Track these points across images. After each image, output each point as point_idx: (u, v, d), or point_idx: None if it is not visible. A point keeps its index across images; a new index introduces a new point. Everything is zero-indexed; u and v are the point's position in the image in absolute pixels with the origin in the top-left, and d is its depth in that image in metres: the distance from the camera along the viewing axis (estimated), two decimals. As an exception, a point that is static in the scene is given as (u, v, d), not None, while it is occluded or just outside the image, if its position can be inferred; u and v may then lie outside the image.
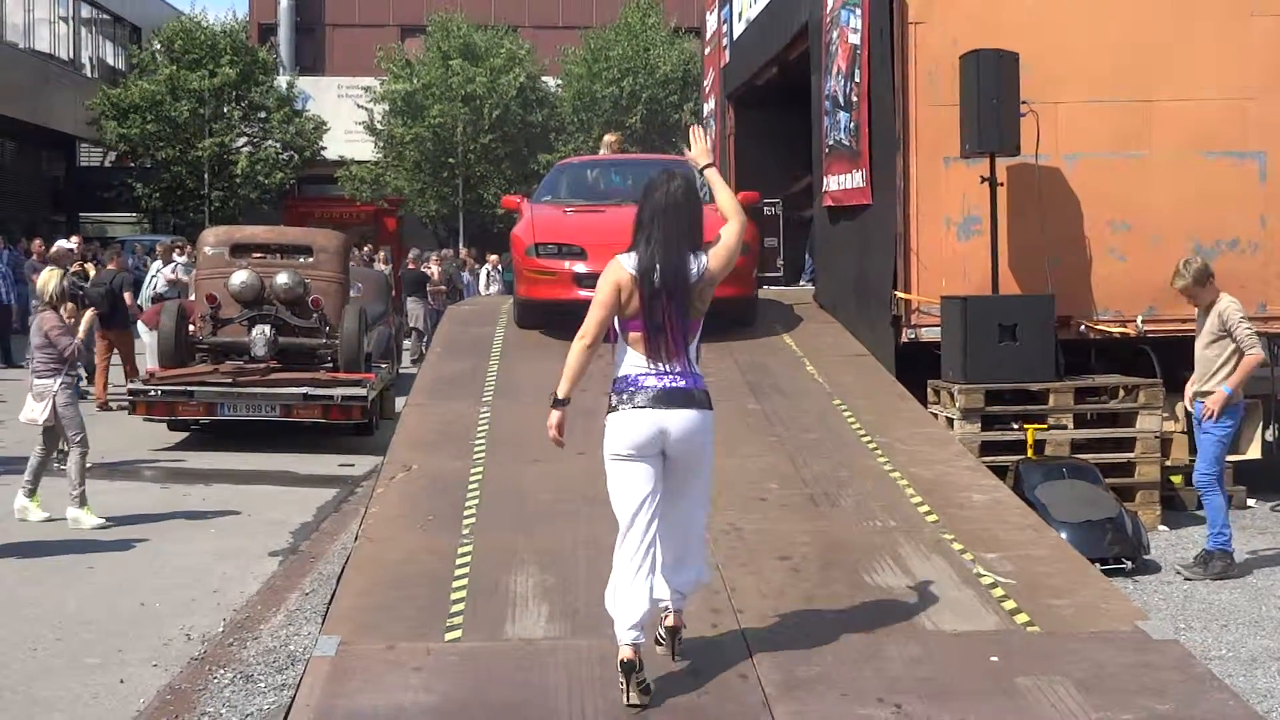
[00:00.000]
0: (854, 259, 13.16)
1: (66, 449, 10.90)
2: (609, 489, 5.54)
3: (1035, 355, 10.73)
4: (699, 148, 6.06)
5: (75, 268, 22.77)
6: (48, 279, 11.50)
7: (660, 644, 5.76)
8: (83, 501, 10.80)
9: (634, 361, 5.38)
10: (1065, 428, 10.70)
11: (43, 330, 10.97)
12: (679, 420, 5.26)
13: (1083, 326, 11.42)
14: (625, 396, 5.33)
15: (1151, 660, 6.55)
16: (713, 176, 6.03)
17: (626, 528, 5.48)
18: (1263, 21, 11.43)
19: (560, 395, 5.36)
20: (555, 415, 5.40)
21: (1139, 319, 10.98)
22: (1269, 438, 11.26)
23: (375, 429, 15.12)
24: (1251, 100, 11.36)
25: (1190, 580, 8.96)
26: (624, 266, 5.39)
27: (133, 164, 41.00)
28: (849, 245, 13.44)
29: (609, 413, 5.42)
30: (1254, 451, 11.02)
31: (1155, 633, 6.90)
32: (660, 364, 5.33)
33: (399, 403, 15.65)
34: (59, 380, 10.91)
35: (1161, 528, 10.32)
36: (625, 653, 5.36)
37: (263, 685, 7.00)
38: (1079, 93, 11.30)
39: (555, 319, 12.01)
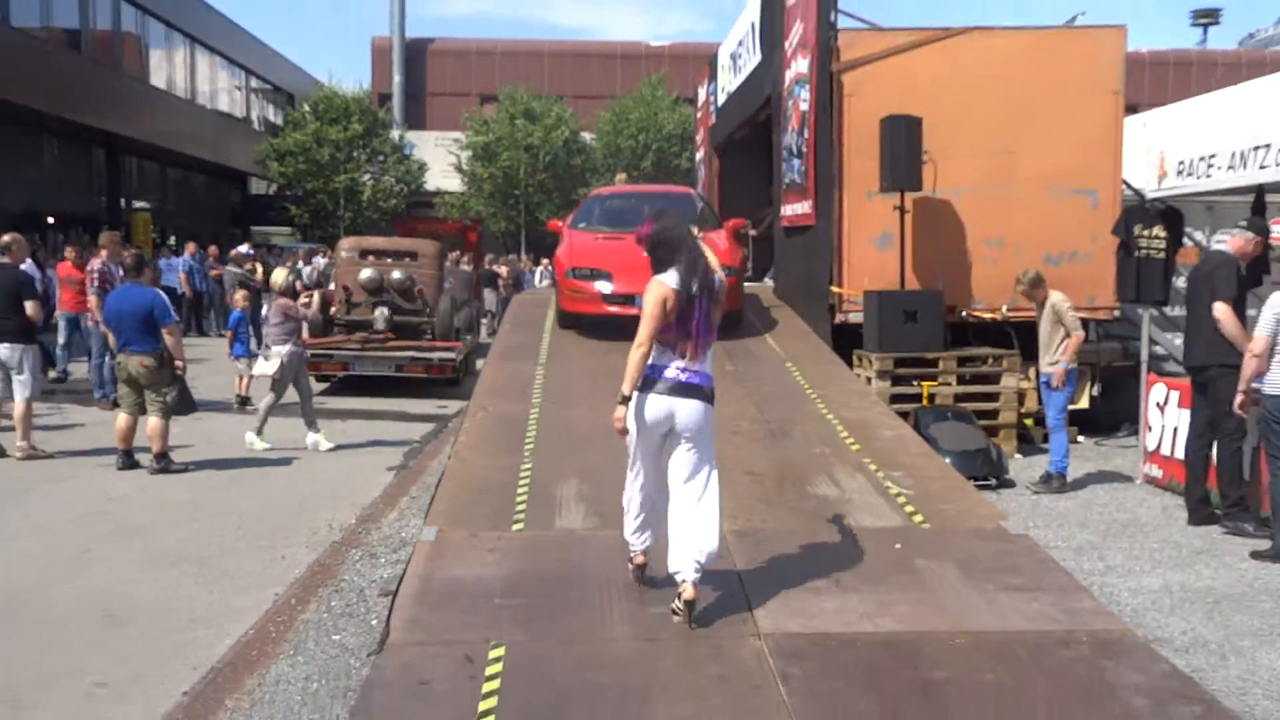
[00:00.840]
0: (803, 264, 13.15)
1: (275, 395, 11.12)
2: (630, 441, 5.33)
3: (929, 333, 10.76)
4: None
5: (248, 266, 22.89)
6: (279, 275, 11.83)
7: (677, 615, 5.17)
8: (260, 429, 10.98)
9: (662, 357, 5.13)
10: (950, 385, 10.73)
11: (281, 310, 11.09)
12: (686, 408, 5.09)
13: (964, 313, 11.44)
14: (649, 382, 5.11)
15: (1008, 549, 6.63)
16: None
17: (632, 470, 5.44)
18: (1097, 96, 11.42)
19: (625, 393, 5.05)
20: (621, 410, 5.11)
21: (1004, 308, 10.97)
22: (1094, 393, 11.31)
23: (461, 382, 15.17)
24: (1086, 153, 11.36)
25: (1037, 494, 9.03)
26: (667, 283, 5.07)
27: (288, 192, 41.00)
28: (799, 254, 13.43)
29: (636, 390, 5.15)
30: (1084, 403, 11.07)
31: (1012, 529, 7.00)
32: (681, 361, 5.11)
33: (478, 363, 15.75)
34: (288, 347, 10.98)
35: (1016, 456, 10.38)
36: (638, 559, 5.58)
37: (382, 561, 7.08)
38: (963, 146, 11.29)
39: (587, 322, 11.76)
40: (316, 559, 7.16)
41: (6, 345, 9.97)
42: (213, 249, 25.54)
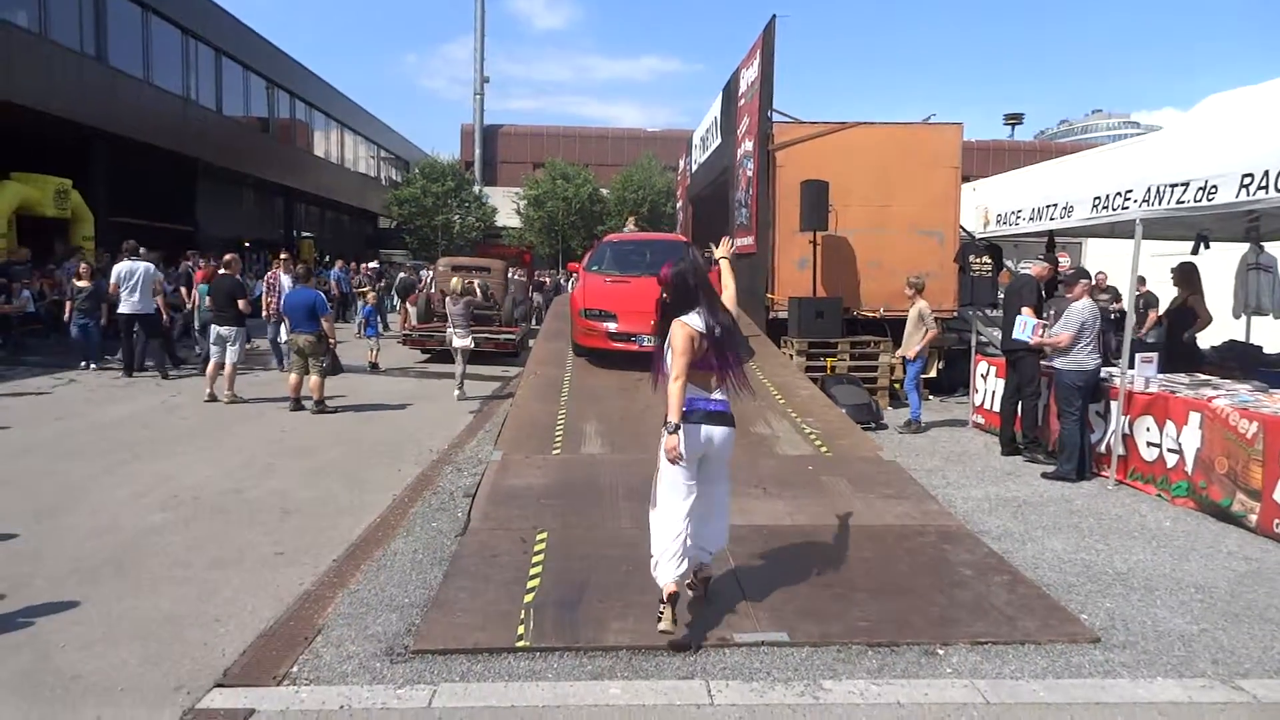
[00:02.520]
0: (747, 278, 12.94)
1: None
2: (660, 474, 4.06)
3: (832, 325, 10.67)
4: (722, 249, 4.68)
5: (367, 273, 22.71)
6: (456, 282, 11.76)
7: (692, 590, 4.26)
8: (460, 385, 10.98)
9: (694, 391, 3.97)
10: (845, 360, 10.65)
11: (465, 304, 11.26)
12: (719, 433, 4.02)
13: (855, 312, 11.37)
14: (689, 414, 3.94)
15: (884, 470, 6.61)
16: (725, 265, 4.60)
17: (668, 510, 4.00)
18: (943, 170, 11.34)
19: (673, 421, 3.85)
20: (671, 439, 3.86)
21: (881, 309, 10.91)
22: (940, 366, 11.26)
23: (518, 355, 15.02)
24: (935, 207, 11.27)
25: (901, 434, 8.99)
26: (693, 325, 3.93)
27: (404, 227, 40.76)
28: (745, 272, 13.19)
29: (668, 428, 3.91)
30: (933, 373, 11.02)
31: (885, 457, 6.96)
32: (708, 392, 4.04)
33: (530, 343, 15.64)
34: (469, 331, 11.13)
35: (888, 408, 10.34)
36: (669, 587, 3.94)
37: (465, 474, 6.98)
38: (855, 201, 11.21)
39: (597, 354, 10.08)
40: (422, 471, 7.10)
41: (227, 327, 10.09)
42: (354, 264, 25.38)
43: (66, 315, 12.54)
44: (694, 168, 20.25)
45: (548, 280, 29.99)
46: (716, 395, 4.08)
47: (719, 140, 15.94)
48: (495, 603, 4.22)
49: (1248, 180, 5.65)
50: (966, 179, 12.70)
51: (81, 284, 12.25)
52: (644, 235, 15.87)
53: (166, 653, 3.77)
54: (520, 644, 3.82)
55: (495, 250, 32.60)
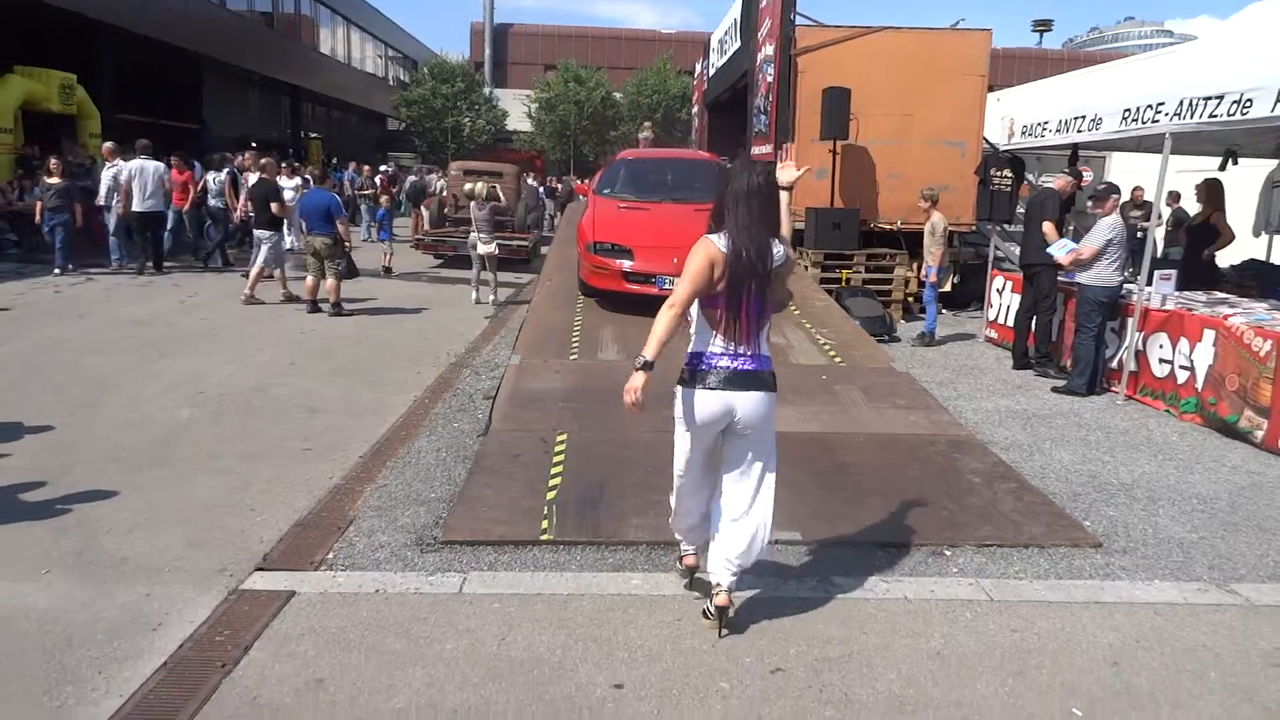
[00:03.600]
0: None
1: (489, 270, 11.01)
2: (674, 443, 3.28)
3: (848, 237, 10.60)
4: (786, 175, 3.60)
5: (379, 180, 22.17)
6: (480, 187, 11.20)
7: (708, 618, 3.28)
8: (494, 291, 11.01)
9: (709, 339, 3.11)
10: (860, 272, 10.64)
11: (491, 210, 10.96)
12: (746, 402, 3.08)
13: (872, 224, 11.26)
14: (698, 374, 3.10)
15: (896, 381, 6.68)
16: (784, 198, 3.44)
17: (679, 480, 3.30)
18: (969, 78, 11.05)
19: (647, 358, 3.04)
20: (639, 378, 3.05)
21: (899, 222, 10.82)
22: (955, 281, 11.24)
23: (530, 261, 14.96)
24: (959, 117, 11.03)
25: (914, 346, 9.05)
26: (717, 245, 3.07)
27: (413, 129, 40.06)
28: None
29: (680, 383, 3.17)
30: (948, 288, 11.00)
31: (898, 369, 7.04)
32: (733, 345, 3.09)
33: (543, 249, 15.62)
34: (493, 237, 10.96)
35: (901, 321, 10.37)
36: (689, 559, 3.54)
37: (484, 377, 7.07)
38: (877, 109, 10.96)
39: (609, 297, 8.56)
40: (441, 374, 7.20)
41: (260, 230, 10.19)
42: (365, 168, 25.03)
43: (37, 215, 11.76)
44: (711, 72, 19.74)
45: (559, 186, 29.66)
46: (742, 349, 3.11)
47: (737, 44, 15.50)
48: (519, 499, 4.38)
49: (1284, 94, 5.53)
50: (991, 88, 12.39)
51: (52, 181, 11.61)
52: (665, 152, 13.83)
53: (207, 538, 3.95)
54: (544, 537, 3.99)
55: (506, 155, 32.13)
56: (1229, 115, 5.99)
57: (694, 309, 3.17)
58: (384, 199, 15.72)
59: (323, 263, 9.57)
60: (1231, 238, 8.69)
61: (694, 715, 2.72)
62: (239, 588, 3.49)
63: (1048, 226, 7.62)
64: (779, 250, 3.15)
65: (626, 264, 8.19)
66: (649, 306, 7.02)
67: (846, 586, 3.63)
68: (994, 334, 9.30)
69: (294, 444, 5.29)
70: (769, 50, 12.11)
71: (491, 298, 10.93)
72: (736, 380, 3.09)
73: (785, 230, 3.37)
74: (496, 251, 11.05)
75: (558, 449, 5.07)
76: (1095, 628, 3.35)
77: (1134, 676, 3.03)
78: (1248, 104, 5.82)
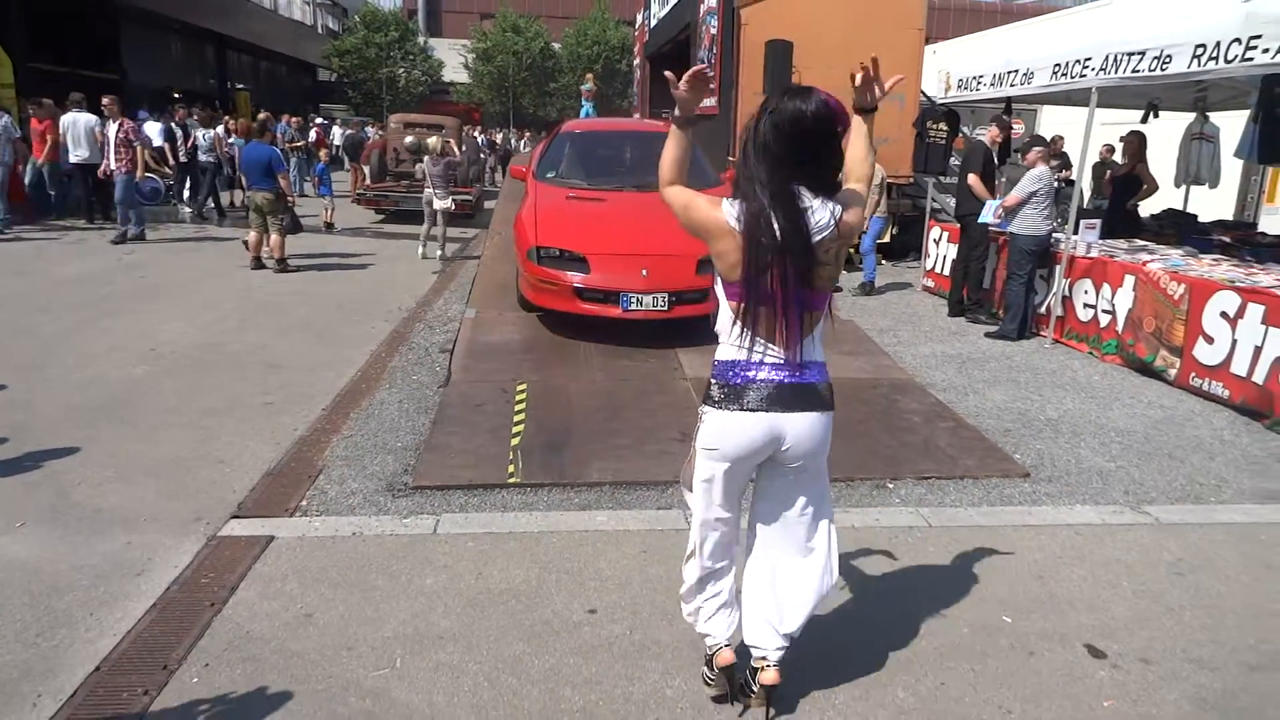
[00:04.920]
0: (707, 143, 13.01)
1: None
2: (694, 480, 2.46)
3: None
4: (866, 92, 2.50)
5: (314, 134, 21.58)
6: (434, 141, 10.98)
7: (749, 693, 2.51)
8: (442, 246, 10.82)
9: (740, 342, 2.29)
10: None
11: (443, 164, 10.78)
12: (798, 425, 2.30)
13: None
14: (731, 391, 2.30)
15: (841, 328, 6.95)
16: (861, 130, 2.49)
17: (700, 539, 2.49)
18: (907, 31, 11.27)
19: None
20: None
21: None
22: (894, 232, 11.52)
23: (474, 215, 14.83)
24: (898, 69, 11.18)
25: (855, 296, 9.33)
26: (725, 213, 2.24)
27: (346, 81, 38.95)
28: (706, 134, 13.29)
29: (707, 403, 2.36)
30: (887, 238, 11.30)
31: (842, 317, 7.33)
32: (774, 349, 2.28)
33: (486, 203, 15.54)
34: (449, 192, 10.84)
35: (845, 272, 10.65)
36: (724, 656, 2.52)
37: (437, 330, 7.10)
38: (818, 62, 11.07)
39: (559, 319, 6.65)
40: (394, 329, 7.22)
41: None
42: (295, 120, 24.37)
43: None
44: (653, 23, 19.66)
45: (498, 139, 29.33)
46: (787, 355, 2.27)
47: (680, -6, 15.49)
48: (484, 446, 4.54)
49: (1200, 51, 5.86)
50: (929, 41, 12.65)
51: None
52: (619, 123, 11.59)
53: (180, 489, 4.03)
54: (512, 480, 4.16)
55: (443, 107, 31.48)
56: (1150, 70, 6.32)
57: (719, 296, 2.32)
58: (322, 153, 15.40)
59: (265, 219, 9.45)
60: (1155, 187, 9.12)
61: (664, 633, 2.95)
62: (217, 534, 3.59)
63: (972, 179, 7.94)
64: (823, 212, 2.20)
65: (580, 277, 6.27)
66: (624, 335, 6.52)
67: (798, 517, 3.90)
68: (931, 283, 9.65)
69: (254, 398, 5.33)
70: (712, 2, 12.18)
71: (439, 252, 10.90)
72: (783, 397, 2.27)
73: (862, 175, 2.44)
74: (452, 207, 10.97)
75: (519, 398, 5.23)
76: (1023, 547, 3.68)
77: (1057, 587, 3.36)
78: (1167, 59, 6.15)
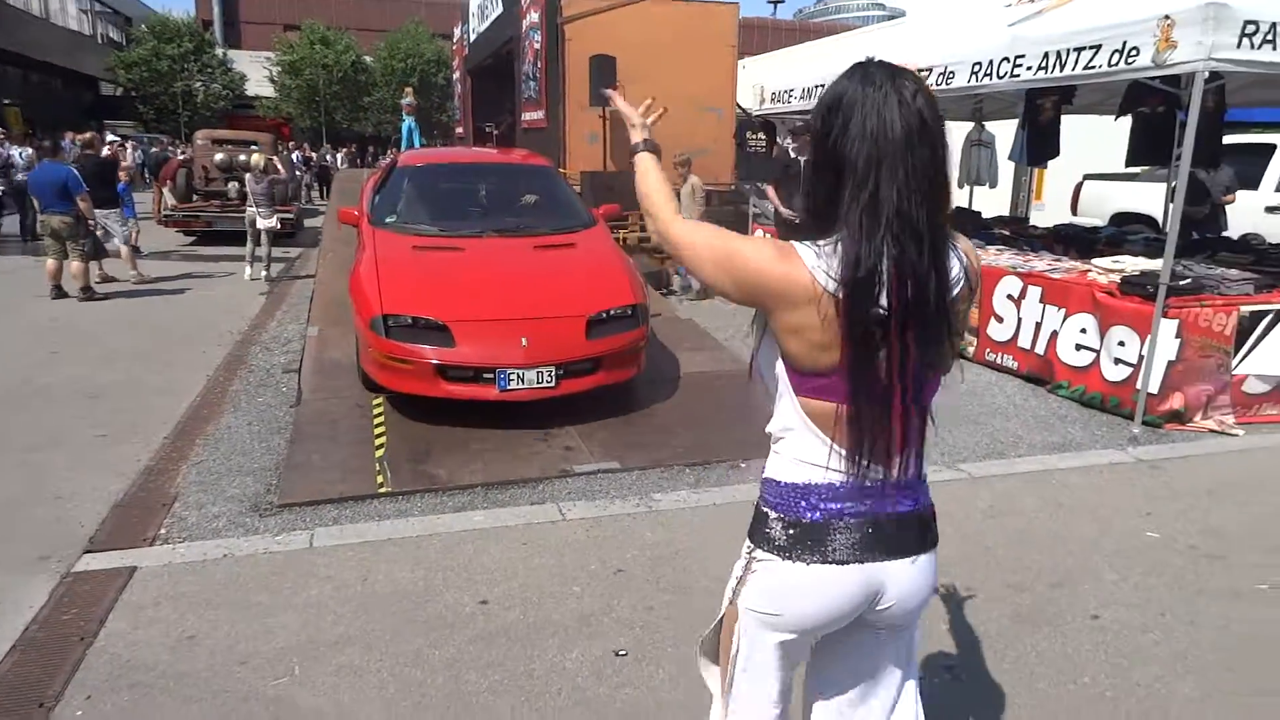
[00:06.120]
0: (539, 152, 13.23)
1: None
2: (733, 660, 1.58)
3: (624, 197, 11.17)
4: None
5: (108, 152, 20.11)
6: (258, 159, 10.47)
7: None
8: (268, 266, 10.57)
9: (817, 456, 1.42)
10: (636, 232, 11.20)
11: (267, 182, 10.40)
12: (906, 576, 1.46)
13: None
14: (805, 532, 1.43)
15: (682, 326, 7.31)
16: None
17: (745, 711, 1.59)
18: (721, 48, 11.99)
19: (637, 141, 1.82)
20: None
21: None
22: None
23: (295, 235, 14.28)
24: (715, 84, 11.94)
25: (689, 300, 9.78)
26: (809, 266, 1.34)
27: (135, 95, 36.12)
28: (536, 146, 13.43)
29: (763, 546, 1.50)
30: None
31: (680, 317, 7.72)
32: (874, 467, 1.40)
33: (305, 222, 15.01)
34: (273, 211, 10.45)
35: (676, 275, 11.11)
36: None
37: (276, 352, 6.93)
38: (641, 77, 11.53)
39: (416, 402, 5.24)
40: (229, 352, 6.95)
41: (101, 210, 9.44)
42: (80, 137, 22.50)
43: None
44: (472, 37, 19.62)
45: (313, 156, 28.15)
46: (893, 473, 1.45)
47: (500, 10, 15.61)
48: (348, 460, 4.52)
49: (977, 68, 6.70)
50: (741, 57, 13.48)
51: None
52: (465, 154, 9.42)
53: (16, 530, 3.78)
54: (383, 490, 4.19)
55: (249, 123, 29.97)
56: (937, 85, 7.13)
57: (779, 377, 1.49)
58: (122, 173, 14.28)
59: (64, 244, 8.77)
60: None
61: (556, 613, 3.13)
62: (71, 570, 3.42)
63: (768, 189, 8.62)
64: (951, 258, 1.43)
65: (441, 352, 4.84)
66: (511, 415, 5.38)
67: (665, 501, 4.18)
68: (758, 283, 10.28)
69: (84, 431, 5.02)
70: (534, 17, 12.41)
71: (264, 273, 10.47)
72: (885, 537, 1.47)
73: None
74: (277, 226, 10.59)
75: (376, 413, 5.21)
76: (863, 508, 4.13)
77: (894, 539, 3.81)
78: (951, 75, 6.97)
